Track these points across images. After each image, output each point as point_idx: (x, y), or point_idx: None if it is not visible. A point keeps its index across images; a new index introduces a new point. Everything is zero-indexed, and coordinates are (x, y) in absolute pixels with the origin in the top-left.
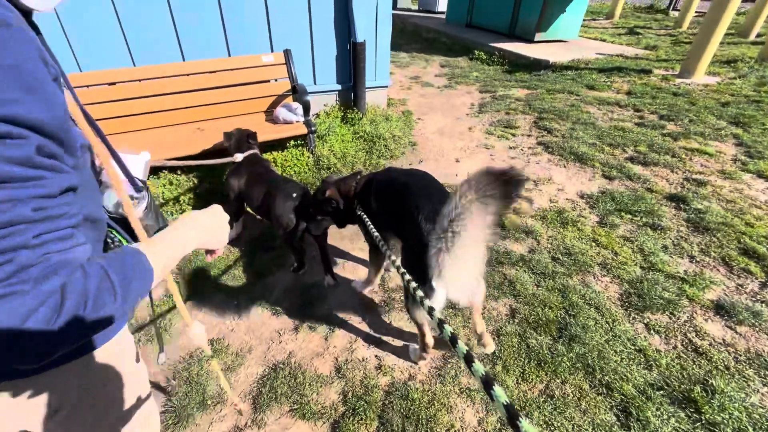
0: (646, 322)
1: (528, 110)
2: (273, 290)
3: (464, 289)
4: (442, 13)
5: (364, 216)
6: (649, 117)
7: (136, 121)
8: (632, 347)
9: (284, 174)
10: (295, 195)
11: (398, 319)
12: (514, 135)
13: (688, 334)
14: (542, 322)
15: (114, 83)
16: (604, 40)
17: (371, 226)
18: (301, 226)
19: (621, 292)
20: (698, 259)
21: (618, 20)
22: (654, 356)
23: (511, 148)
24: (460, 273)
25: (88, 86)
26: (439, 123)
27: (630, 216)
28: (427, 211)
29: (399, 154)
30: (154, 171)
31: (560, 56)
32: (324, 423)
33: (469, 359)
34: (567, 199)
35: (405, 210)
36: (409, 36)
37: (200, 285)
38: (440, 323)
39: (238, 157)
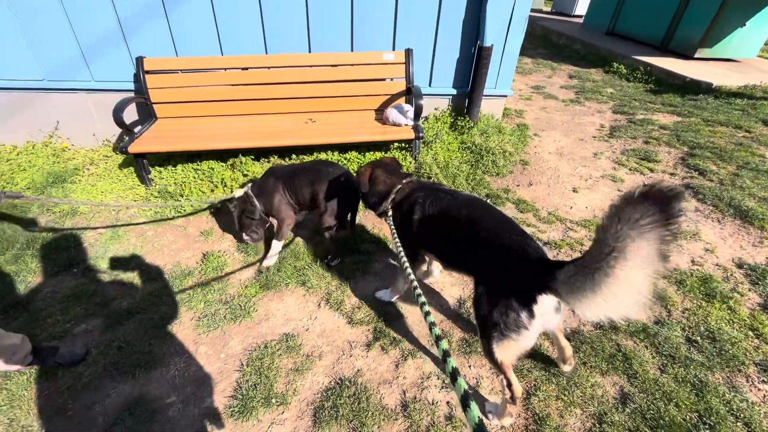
0: None
1: (675, 142)
2: (353, 296)
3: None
4: (579, 17)
5: (392, 226)
6: None
7: (259, 105)
8: None
9: None
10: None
11: (479, 364)
12: (651, 170)
13: None
14: (664, 423)
15: (246, 68)
16: None
17: (397, 240)
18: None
19: None
20: None
21: None
22: None
23: (645, 185)
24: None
25: (225, 69)
26: (559, 143)
27: None
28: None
29: (506, 173)
30: (264, 154)
31: (728, 79)
32: None
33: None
34: (717, 264)
35: (489, 243)
36: (538, 40)
37: (284, 276)
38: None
39: (237, 193)
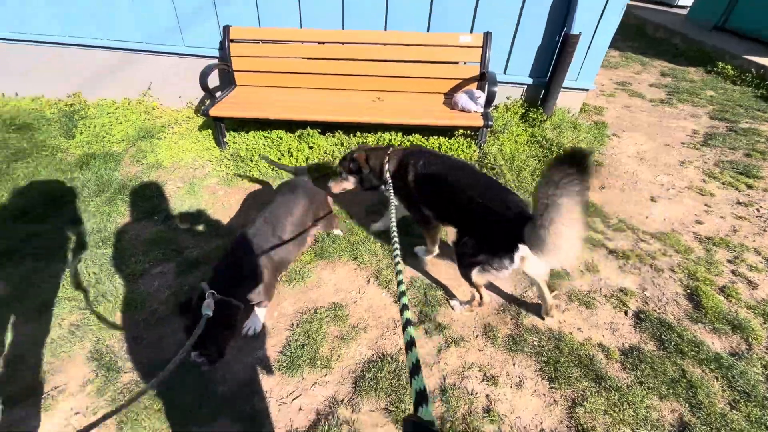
0: None
1: None
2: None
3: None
4: (682, 8)
5: (391, 189)
6: None
7: (330, 80)
8: None
9: None
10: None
11: (525, 363)
12: (750, 187)
13: None
14: None
15: (322, 42)
16: None
17: (393, 199)
18: None
19: None
20: None
21: None
22: None
23: (740, 203)
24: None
25: (302, 42)
26: (641, 146)
27: None
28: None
29: None
30: (330, 128)
31: None
32: None
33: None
34: None
35: (470, 199)
36: (629, 31)
37: (338, 249)
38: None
39: (206, 310)
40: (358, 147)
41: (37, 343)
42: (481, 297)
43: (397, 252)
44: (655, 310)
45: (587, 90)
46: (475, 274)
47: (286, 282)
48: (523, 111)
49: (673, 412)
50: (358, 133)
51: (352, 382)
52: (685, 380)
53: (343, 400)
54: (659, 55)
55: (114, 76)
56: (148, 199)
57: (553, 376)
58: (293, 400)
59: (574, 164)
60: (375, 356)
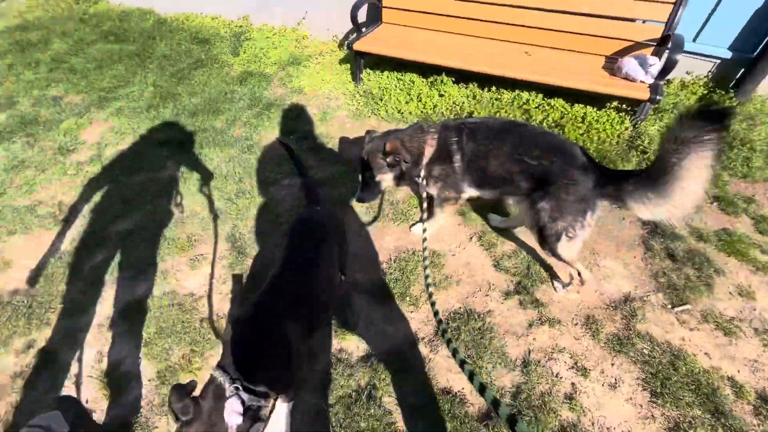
0: None
1: None
2: (506, 243)
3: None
4: None
5: (424, 194)
6: None
7: (475, 26)
8: None
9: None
10: None
11: (624, 368)
12: None
13: None
14: None
15: None
16: None
17: (425, 185)
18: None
19: None
20: None
21: None
22: None
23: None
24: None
25: None
26: None
27: None
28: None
29: (760, 178)
30: (465, 79)
31: None
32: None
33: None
34: None
35: (543, 160)
36: None
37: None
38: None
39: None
40: (371, 137)
41: (193, 216)
42: (579, 274)
43: (429, 281)
44: None
45: None
46: (563, 246)
47: (391, 219)
48: (706, 91)
49: None
50: (494, 88)
51: (434, 326)
52: None
53: (423, 338)
54: None
55: (276, 3)
56: (288, 120)
57: (658, 391)
58: (380, 324)
59: (711, 122)
60: (462, 310)
